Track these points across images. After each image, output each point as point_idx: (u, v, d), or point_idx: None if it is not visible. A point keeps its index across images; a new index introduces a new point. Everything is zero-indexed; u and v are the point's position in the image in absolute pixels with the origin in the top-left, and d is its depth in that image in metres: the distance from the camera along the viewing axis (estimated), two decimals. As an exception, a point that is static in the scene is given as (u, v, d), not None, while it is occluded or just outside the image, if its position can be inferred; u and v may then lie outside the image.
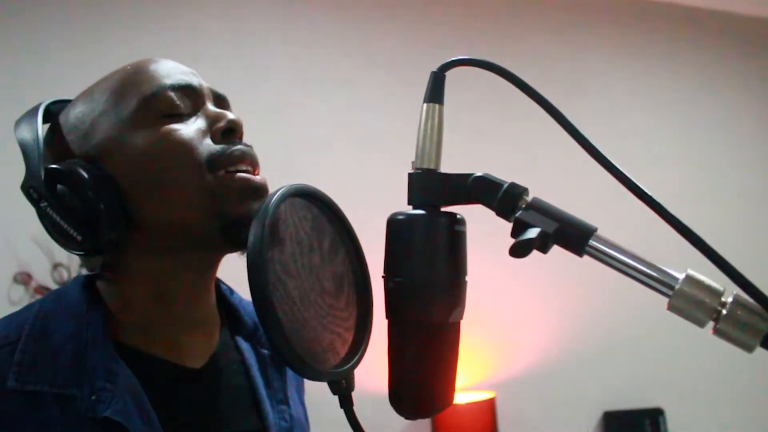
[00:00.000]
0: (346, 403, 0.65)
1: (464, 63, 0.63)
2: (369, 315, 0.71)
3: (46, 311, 0.77)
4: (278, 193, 0.63)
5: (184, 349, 0.79)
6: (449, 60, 0.63)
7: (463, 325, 0.62)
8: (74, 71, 2.60)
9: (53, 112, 0.83)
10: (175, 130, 0.75)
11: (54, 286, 2.55)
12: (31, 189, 0.74)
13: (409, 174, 0.62)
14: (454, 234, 0.60)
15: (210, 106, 0.79)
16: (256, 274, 0.57)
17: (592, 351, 3.07)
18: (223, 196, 0.74)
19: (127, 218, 0.74)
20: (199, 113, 0.78)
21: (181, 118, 0.76)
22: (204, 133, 0.76)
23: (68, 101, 0.84)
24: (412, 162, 0.62)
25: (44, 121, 0.81)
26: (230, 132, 0.77)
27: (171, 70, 0.79)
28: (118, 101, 0.76)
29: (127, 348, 0.76)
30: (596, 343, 3.08)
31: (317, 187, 0.71)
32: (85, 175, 0.72)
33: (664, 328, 3.14)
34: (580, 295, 3.08)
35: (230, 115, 0.78)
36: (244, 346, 0.87)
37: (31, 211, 2.65)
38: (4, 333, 0.74)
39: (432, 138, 0.62)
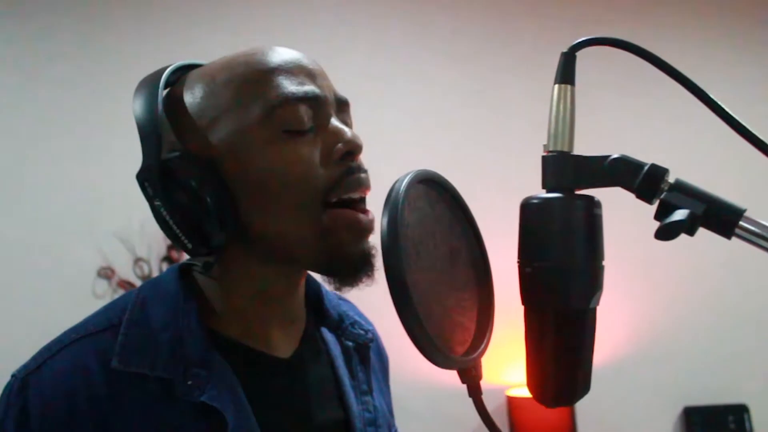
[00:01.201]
0: (476, 393, 0.64)
1: (596, 42, 0.61)
2: (491, 303, 0.70)
3: (144, 298, 0.78)
4: (406, 180, 0.62)
5: (273, 341, 0.81)
6: (580, 40, 0.61)
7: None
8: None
9: (171, 81, 0.80)
10: (297, 153, 0.73)
11: (136, 280, 2.62)
12: (145, 183, 0.74)
13: (543, 157, 0.60)
14: (593, 217, 0.58)
15: (332, 120, 0.76)
16: (391, 259, 0.57)
17: (672, 344, 2.99)
18: (333, 234, 0.73)
19: (237, 226, 0.73)
20: (320, 128, 0.76)
21: (303, 135, 0.74)
22: (324, 154, 0.74)
23: (191, 66, 0.81)
24: (544, 145, 0.61)
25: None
26: (349, 155, 0.75)
27: (298, 73, 0.75)
28: (241, 102, 0.74)
29: (220, 337, 0.77)
30: (676, 335, 3.00)
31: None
32: (203, 179, 0.72)
33: (749, 321, 3.05)
34: (658, 287, 3.00)
35: (349, 134, 0.75)
36: (329, 337, 0.88)
37: (115, 207, 2.72)
38: (106, 317, 0.77)
39: (565, 119, 0.60)
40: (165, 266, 2.62)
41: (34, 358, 0.75)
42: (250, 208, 0.73)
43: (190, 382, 0.72)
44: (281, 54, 0.76)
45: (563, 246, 0.57)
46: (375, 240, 0.73)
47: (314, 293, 0.89)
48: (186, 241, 0.73)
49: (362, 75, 2.85)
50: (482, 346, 0.67)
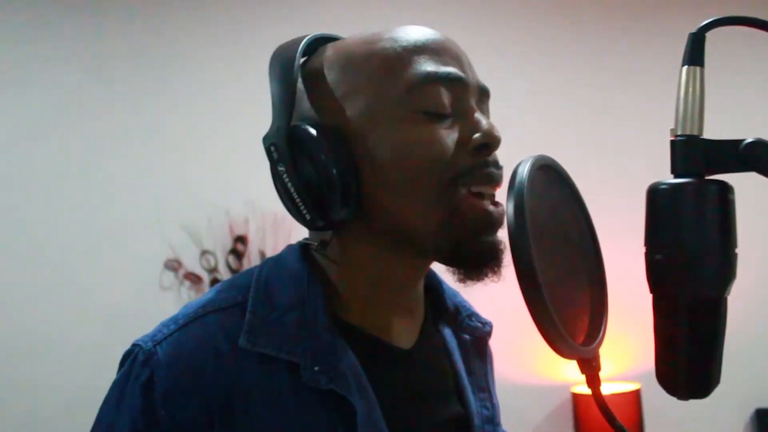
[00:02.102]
0: (595, 384, 0.63)
1: (727, 22, 0.59)
2: (605, 292, 0.68)
3: (267, 276, 0.76)
4: (528, 165, 0.61)
5: (394, 330, 0.78)
6: (710, 20, 0.59)
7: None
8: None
9: (308, 52, 0.78)
10: (432, 134, 0.70)
11: (202, 273, 2.66)
12: (272, 146, 0.70)
13: (672, 141, 0.58)
14: (726, 203, 0.56)
15: (473, 108, 0.73)
16: (520, 245, 0.56)
17: (745, 343, 2.90)
18: (460, 225, 0.70)
19: (359, 203, 0.71)
20: (460, 114, 0.72)
21: (442, 118, 0.71)
22: (460, 142, 0.71)
23: (326, 39, 0.79)
24: (671, 129, 0.59)
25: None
26: (485, 147, 0.71)
27: (442, 53, 0.72)
28: (381, 79, 0.71)
29: (342, 322, 0.75)
30: (749, 335, 2.91)
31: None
32: (332, 151, 0.69)
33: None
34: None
35: (488, 126, 0.71)
36: (446, 331, 0.85)
37: (183, 199, 2.76)
38: (229, 294, 0.75)
39: (694, 102, 0.58)
40: (231, 259, 2.66)
41: (159, 330, 0.72)
42: (376, 186, 0.71)
43: (317, 368, 0.69)
44: (425, 33, 0.74)
45: (698, 232, 0.55)
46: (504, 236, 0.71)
47: (432, 284, 0.86)
48: (305, 212, 0.70)
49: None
50: (599, 335, 0.65)
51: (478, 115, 0.73)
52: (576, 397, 2.68)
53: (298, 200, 0.70)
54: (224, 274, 2.66)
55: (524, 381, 2.78)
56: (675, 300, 0.56)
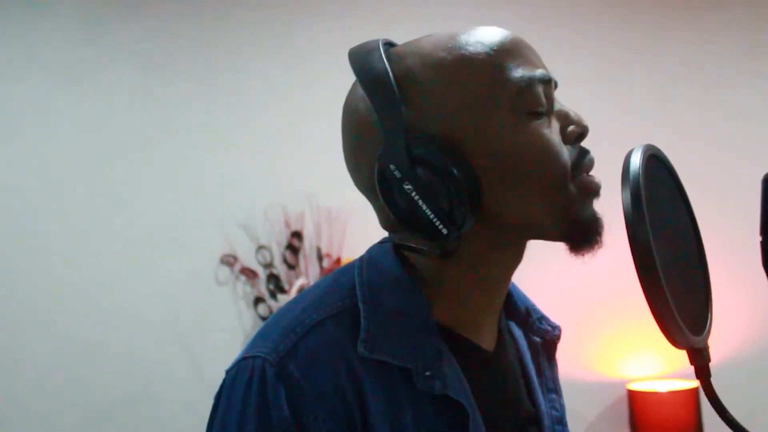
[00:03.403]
0: (706, 374, 0.63)
1: None
2: (708, 283, 0.68)
3: (370, 280, 0.75)
4: (640, 154, 0.61)
5: (482, 331, 0.79)
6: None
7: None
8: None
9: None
10: (544, 133, 0.72)
11: (258, 268, 2.69)
12: (393, 166, 0.69)
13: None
14: None
15: (557, 102, 0.76)
16: (640, 233, 0.56)
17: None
18: (581, 201, 0.73)
19: (480, 208, 0.71)
20: (550, 110, 0.75)
21: (542, 117, 0.73)
22: (564, 136, 0.74)
23: (392, 44, 0.79)
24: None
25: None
26: (581, 137, 0.75)
27: (528, 54, 0.75)
28: (483, 86, 0.72)
29: (442, 327, 0.75)
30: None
31: None
32: (452, 163, 0.69)
33: None
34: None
35: (577, 117, 0.75)
36: (517, 332, 0.86)
37: (239, 194, 2.79)
38: (338, 298, 0.74)
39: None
40: (287, 254, 2.68)
41: (281, 341, 0.71)
42: (493, 193, 0.71)
43: (428, 373, 0.70)
44: (504, 33, 0.75)
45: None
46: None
47: None
48: (441, 227, 0.69)
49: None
50: (707, 325, 0.65)
51: (564, 108, 0.76)
52: (632, 394, 2.65)
53: (432, 216, 0.69)
54: (280, 269, 2.69)
55: (579, 377, 2.75)
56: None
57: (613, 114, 2.86)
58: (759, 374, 2.80)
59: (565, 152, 0.73)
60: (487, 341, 0.79)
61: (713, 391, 0.63)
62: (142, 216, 2.67)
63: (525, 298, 0.88)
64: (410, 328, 0.72)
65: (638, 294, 0.59)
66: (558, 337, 0.88)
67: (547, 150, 0.71)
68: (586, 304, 2.93)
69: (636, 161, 0.60)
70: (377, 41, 0.75)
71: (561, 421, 0.85)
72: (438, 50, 0.73)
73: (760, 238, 0.58)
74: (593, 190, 0.74)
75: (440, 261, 0.74)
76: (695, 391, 2.59)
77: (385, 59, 0.72)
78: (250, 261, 2.70)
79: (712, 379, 0.62)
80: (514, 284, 0.87)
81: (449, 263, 0.74)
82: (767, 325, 2.87)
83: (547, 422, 0.82)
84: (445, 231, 0.69)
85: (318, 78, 2.71)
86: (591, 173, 0.75)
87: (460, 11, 2.87)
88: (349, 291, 0.74)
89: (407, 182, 0.69)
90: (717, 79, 3.00)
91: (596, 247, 0.74)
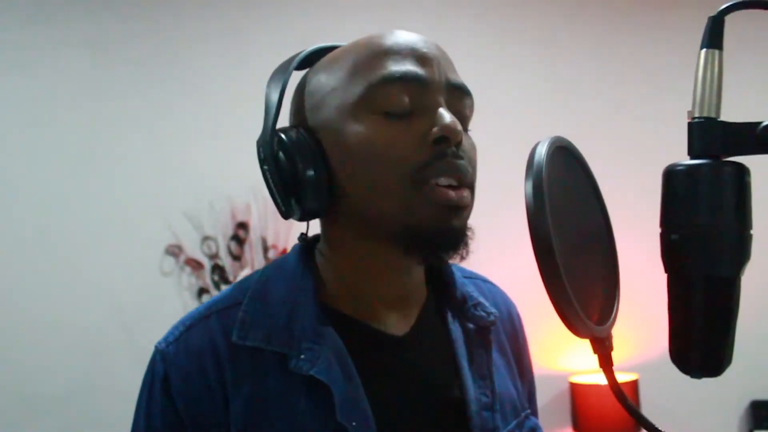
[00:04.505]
0: (608, 364, 0.64)
1: (747, 6, 0.59)
2: (617, 273, 0.69)
3: (268, 276, 0.83)
4: (546, 145, 0.61)
5: (386, 319, 0.82)
6: (730, 3, 0.60)
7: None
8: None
9: (312, 61, 0.85)
10: (387, 133, 0.74)
11: (203, 259, 2.66)
12: (261, 148, 0.79)
13: (689, 123, 0.59)
14: (743, 184, 0.57)
15: (439, 102, 0.76)
16: (538, 224, 0.56)
17: (742, 336, 2.91)
18: (419, 212, 0.73)
19: (331, 194, 0.77)
20: (422, 110, 0.75)
21: (402, 116, 0.75)
22: (420, 138, 0.74)
23: (330, 48, 0.84)
24: (689, 111, 0.60)
25: (302, 68, 0.85)
26: (443, 140, 0.74)
27: (406, 55, 0.76)
28: (348, 82, 0.77)
29: (334, 313, 0.80)
30: (747, 327, 2.92)
31: None
32: (306, 151, 0.76)
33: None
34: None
35: (447, 120, 0.74)
36: (451, 320, 0.87)
37: (184, 185, 2.77)
38: (233, 295, 0.83)
39: (712, 85, 0.59)
40: (233, 245, 2.66)
41: (171, 332, 0.82)
42: (343, 183, 0.76)
43: (302, 356, 0.75)
44: (397, 36, 0.78)
45: (713, 212, 0.56)
46: (471, 221, 0.77)
47: (443, 273, 0.89)
48: (280, 203, 0.78)
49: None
50: (612, 315, 0.66)
51: (442, 110, 0.75)
52: (574, 387, 2.70)
53: (276, 194, 0.78)
54: (225, 260, 2.67)
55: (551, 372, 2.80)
56: (690, 279, 0.57)
57: (518, 111, 2.90)
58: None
59: (408, 156, 0.73)
60: (395, 328, 0.82)
61: (615, 380, 0.64)
62: (86, 205, 2.62)
63: (464, 285, 0.89)
64: (293, 316, 0.78)
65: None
66: (492, 323, 0.88)
67: (382, 152, 0.74)
68: (528, 298, 2.94)
69: (541, 152, 0.60)
70: (310, 49, 0.84)
71: (490, 408, 0.84)
72: (339, 53, 0.81)
73: (660, 230, 0.59)
74: (442, 200, 0.73)
75: (327, 254, 0.82)
76: (635, 383, 2.65)
77: (296, 61, 0.83)
78: (196, 252, 2.68)
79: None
80: (457, 272, 0.90)
81: (334, 255, 0.82)
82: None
83: (474, 408, 0.82)
84: (283, 208, 0.78)
85: (266, 69, 2.66)
86: (454, 189, 0.74)
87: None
88: (246, 288, 0.83)
89: (265, 164, 0.78)
90: (621, 75, 3.05)
91: (444, 259, 0.77)
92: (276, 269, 0.84)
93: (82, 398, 2.51)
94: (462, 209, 0.75)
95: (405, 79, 0.74)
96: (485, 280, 0.98)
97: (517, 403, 0.89)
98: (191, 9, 2.77)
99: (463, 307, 0.87)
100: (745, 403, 2.91)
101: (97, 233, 2.61)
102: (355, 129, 0.75)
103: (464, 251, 0.77)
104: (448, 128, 0.73)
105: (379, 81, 0.74)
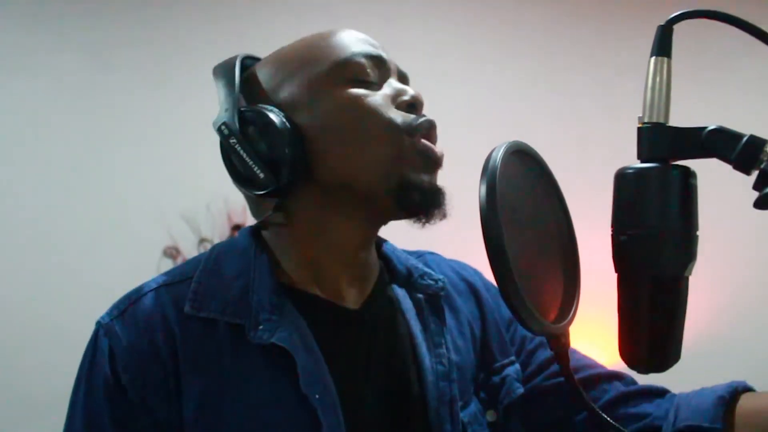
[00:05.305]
0: (564, 360, 0.66)
1: (694, 15, 0.62)
2: (577, 272, 0.71)
3: (218, 253, 0.84)
4: (502, 150, 0.64)
5: (343, 293, 0.83)
6: (678, 13, 0.62)
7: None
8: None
9: (246, 65, 0.87)
10: (366, 95, 0.79)
11: (200, 260, 2.67)
12: (223, 126, 0.78)
13: (638, 128, 0.61)
14: (689, 186, 0.59)
15: (394, 81, 0.82)
16: (491, 226, 0.59)
17: (749, 332, 2.91)
18: (410, 161, 0.77)
19: (306, 167, 0.78)
20: (384, 85, 0.81)
21: (369, 85, 0.80)
22: (390, 103, 0.79)
23: (258, 59, 0.89)
24: (639, 117, 0.62)
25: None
26: (413, 107, 0.80)
27: (362, 40, 0.83)
28: (307, 64, 0.81)
29: (289, 287, 0.81)
30: (754, 323, 2.91)
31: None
32: (275, 120, 0.77)
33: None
34: (725, 277, 2.94)
35: (413, 91, 0.81)
36: (400, 292, 0.89)
37: (182, 187, 2.76)
38: (184, 269, 0.83)
39: (661, 91, 0.61)
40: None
41: (116, 306, 0.81)
42: (322, 153, 0.78)
43: (261, 327, 0.76)
44: (347, 30, 0.84)
45: (659, 214, 0.58)
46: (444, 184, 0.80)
47: (384, 252, 0.91)
48: (259, 171, 0.77)
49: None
50: (570, 314, 0.68)
51: (400, 85, 0.82)
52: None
53: (251, 164, 0.77)
54: (222, 262, 2.68)
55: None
56: (638, 278, 0.59)
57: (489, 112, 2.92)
58: (696, 371, 2.87)
59: (391, 113, 0.78)
60: (351, 302, 0.84)
61: (572, 376, 0.66)
62: (84, 208, 2.64)
63: (407, 259, 0.92)
64: (248, 288, 0.79)
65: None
66: (441, 289, 0.89)
67: (364, 108, 0.78)
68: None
69: (496, 156, 0.62)
70: (241, 54, 0.87)
71: (447, 377, 0.84)
72: (282, 48, 0.86)
73: (611, 231, 0.61)
74: (429, 153, 0.79)
75: (286, 228, 0.82)
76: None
77: (239, 58, 0.85)
78: (193, 254, 2.67)
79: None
80: (393, 249, 0.93)
81: (298, 229, 0.82)
82: (712, 319, 2.95)
83: (430, 378, 0.83)
84: (262, 175, 0.76)
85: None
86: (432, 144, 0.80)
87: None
88: (197, 264, 0.83)
89: (233, 138, 0.77)
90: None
91: (434, 215, 0.79)
92: (227, 246, 0.85)
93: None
94: (439, 167, 0.81)
95: (369, 56, 0.81)
96: (431, 253, 1.00)
97: (472, 370, 0.89)
98: (189, 14, 2.79)
99: (409, 280, 0.89)
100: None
101: (95, 235, 2.63)
102: (329, 97, 0.79)
103: (446, 209, 0.80)
104: (416, 97, 0.80)
105: (347, 56, 0.80)
